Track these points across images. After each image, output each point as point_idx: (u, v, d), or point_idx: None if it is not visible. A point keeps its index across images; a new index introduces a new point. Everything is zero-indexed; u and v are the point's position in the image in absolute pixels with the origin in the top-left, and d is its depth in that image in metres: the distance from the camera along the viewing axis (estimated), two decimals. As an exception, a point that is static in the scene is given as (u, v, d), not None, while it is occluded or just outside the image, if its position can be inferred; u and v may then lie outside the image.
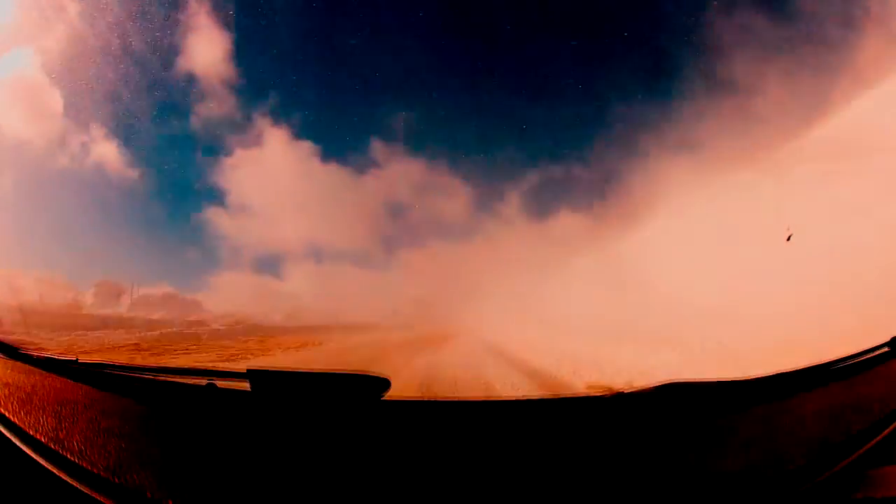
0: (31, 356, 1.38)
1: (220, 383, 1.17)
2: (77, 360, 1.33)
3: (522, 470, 0.90)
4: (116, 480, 0.80)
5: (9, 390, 1.12)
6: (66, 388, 1.18)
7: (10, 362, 1.36)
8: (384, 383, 1.11)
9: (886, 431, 0.98)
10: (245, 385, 1.11)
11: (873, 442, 0.95)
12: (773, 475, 0.87)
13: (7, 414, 1.00)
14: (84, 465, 0.84)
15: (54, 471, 0.84)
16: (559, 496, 0.83)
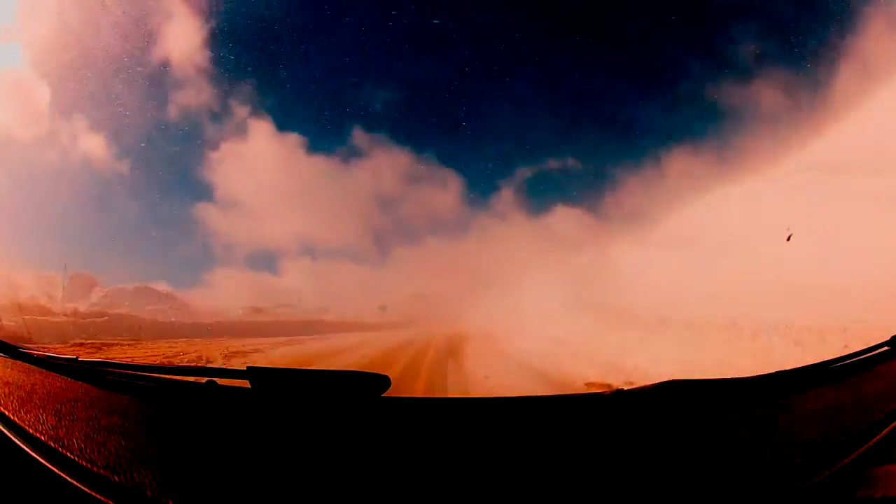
0: (31, 355, 1.38)
1: (221, 381, 1.17)
2: (77, 358, 1.33)
3: (522, 468, 0.90)
4: (116, 479, 0.80)
5: (9, 389, 1.12)
6: (66, 387, 1.18)
7: (10, 361, 1.36)
8: (384, 381, 1.11)
9: (886, 431, 0.98)
10: (245, 383, 1.11)
11: (873, 441, 0.94)
12: (772, 474, 0.87)
13: (7, 413, 1.00)
14: (84, 463, 0.84)
15: (54, 469, 0.84)
16: (558, 494, 0.83)
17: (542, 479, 0.87)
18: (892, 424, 1.00)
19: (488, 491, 0.84)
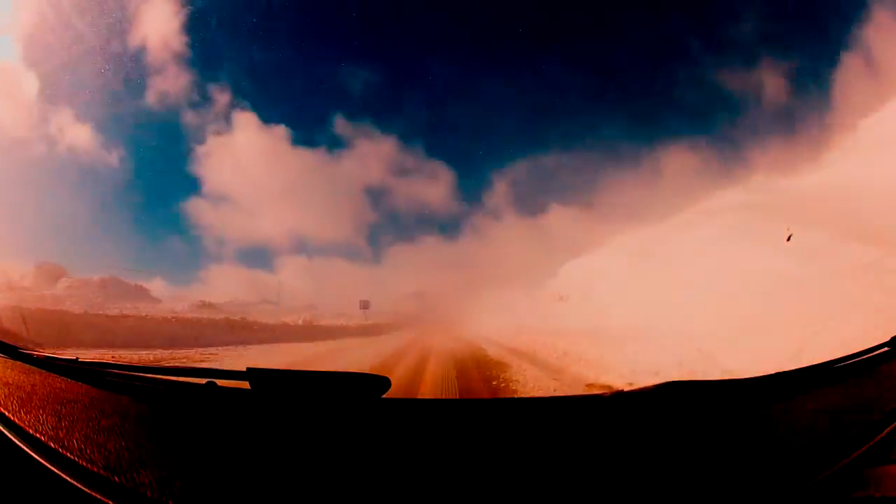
0: (31, 355, 1.38)
1: (220, 382, 1.17)
2: (77, 359, 1.34)
3: (522, 469, 0.90)
4: (116, 479, 0.80)
5: (9, 390, 1.12)
6: (66, 388, 1.18)
7: (11, 362, 1.36)
8: (384, 382, 1.11)
9: (886, 430, 0.98)
10: (245, 384, 1.11)
11: (873, 441, 0.95)
12: (772, 474, 0.87)
13: (7, 413, 1.00)
14: (84, 464, 0.84)
15: (54, 470, 0.84)
16: (558, 495, 0.83)
17: (541, 480, 0.87)
18: (892, 424, 1.00)
19: (488, 492, 0.84)
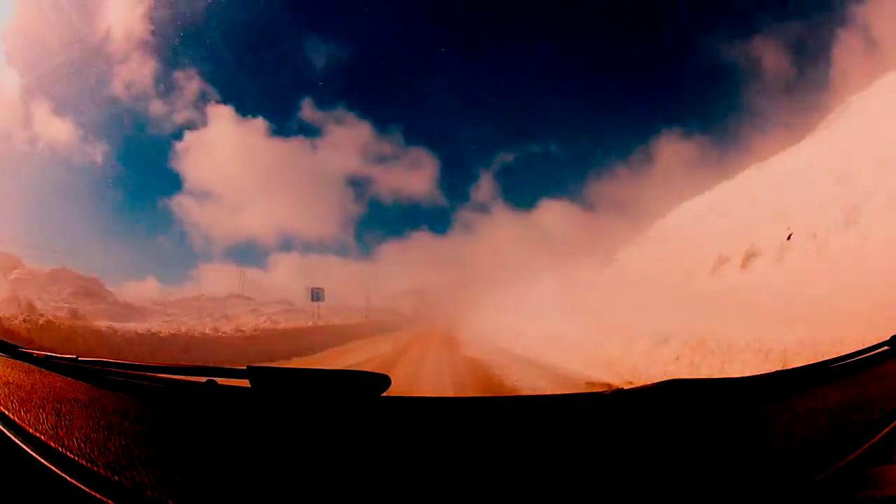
0: (31, 355, 1.38)
1: (220, 381, 1.17)
2: (77, 358, 1.33)
3: (522, 468, 0.90)
4: (116, 478, 0.80)
5: (9, 389, 1.12)
6: (65, 387, 1.18)
7: (10, 361, 1.36)
8: (384, 381, 1.11)
9: (887, 430, 0.98)
10: (245, 383, 1.11)
11: (874, 441, 0.95)
12: (772, 473, 0.87)
13: (7, 413, 1.00)
14: (84, 463, 0.84)
15: (54, 469, 0.84)
16: (558, 494, 0.83)
17: (542, 479, 0.87)
18: (892, 424, 1.00)
19: (488, 490, 0.84)
